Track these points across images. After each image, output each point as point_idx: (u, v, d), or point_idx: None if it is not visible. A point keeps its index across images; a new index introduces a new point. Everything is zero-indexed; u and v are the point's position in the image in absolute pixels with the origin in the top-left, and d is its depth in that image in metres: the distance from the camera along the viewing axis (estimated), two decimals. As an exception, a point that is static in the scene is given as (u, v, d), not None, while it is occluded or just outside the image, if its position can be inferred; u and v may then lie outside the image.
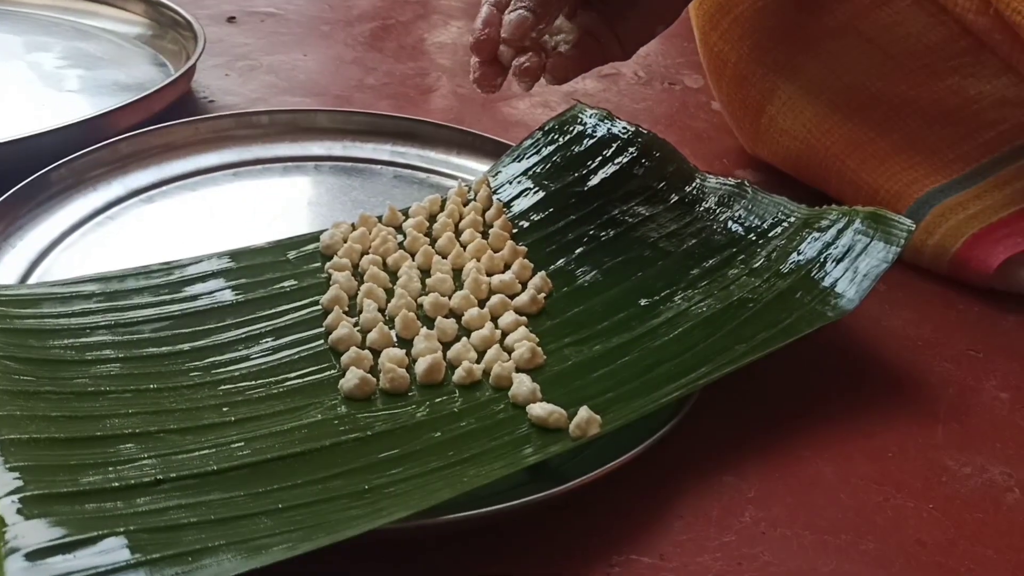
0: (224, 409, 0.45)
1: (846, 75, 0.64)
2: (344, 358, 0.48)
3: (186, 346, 0.49)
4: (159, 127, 0.66)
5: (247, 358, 0.49)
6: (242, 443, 0.42)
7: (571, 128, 0.68)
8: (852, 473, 0.46)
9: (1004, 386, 0.52)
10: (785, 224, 0.57)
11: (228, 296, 0.53)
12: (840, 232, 0.54)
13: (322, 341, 0.50)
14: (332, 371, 0.48)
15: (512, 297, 0.54)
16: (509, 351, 0.50)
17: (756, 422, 0.49)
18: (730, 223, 0.59)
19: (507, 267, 0.57)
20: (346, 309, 0.52)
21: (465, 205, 0.63)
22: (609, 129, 0.68)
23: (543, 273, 0.56)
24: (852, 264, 0.52)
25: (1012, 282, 0.59)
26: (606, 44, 0.58)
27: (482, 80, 0.56)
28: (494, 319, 0.53)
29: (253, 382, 0.47)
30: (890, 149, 0.62)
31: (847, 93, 0.64)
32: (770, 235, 0.57)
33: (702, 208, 0.61)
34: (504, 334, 0.52)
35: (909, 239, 0.51)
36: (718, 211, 0.61)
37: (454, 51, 0.93)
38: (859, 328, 0.55)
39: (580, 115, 0.69)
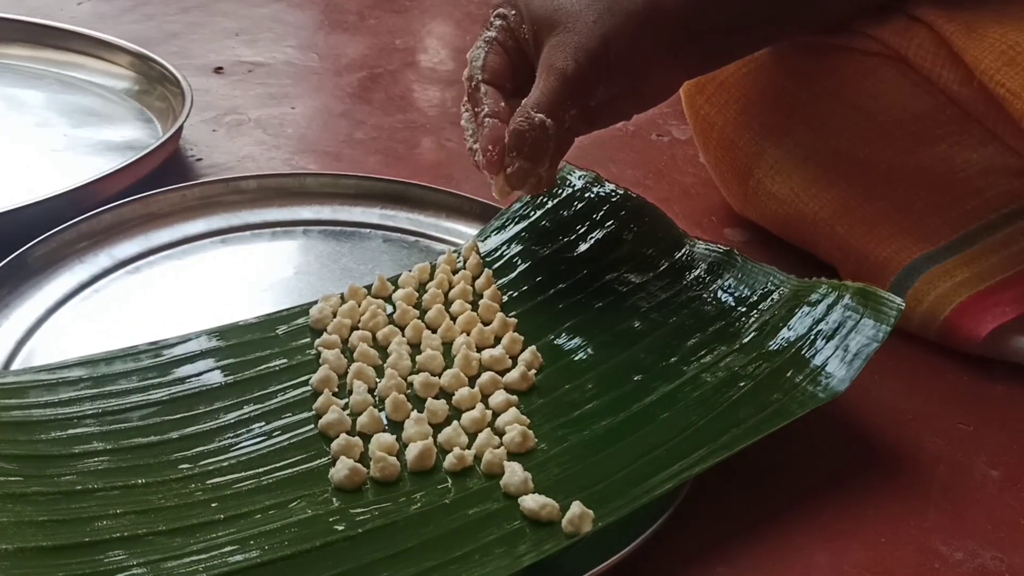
0: (213, 505, 0.44)
1: (833, 140, 0.64)
2: (334, 446, 0.48)
3: (175, 434, 0.48)
4: (145, 196, 0.65)
5: (236, 446, 0.48)
6: (232, 546, 0.42)
7: (559, 191, 0.68)
8: (846, 560, 0.46)
9: (994, 462, 0.53)
10: (775, 296, 0.57)
11: (217, 378, 0.53)
12: (830, 308, 0.54)
13: (312, 425, 0.50)
14: (322, 458, 0.48)
15: (502, 373, 0.54)
16: (500, 434, 0.50)
17: (748, 507, 0.49)
18: (720, 293, 0.59)
19: (497, 340, 0.57)
20: (335, 390, 0.52)
21: (454, 273, 0.63)
22: (598, 192, 0.68)
23: (533, 348, 0.56)
24: (842, 342, 0.52)
25: (1001, 350, 0.59)
26: (577, 131, 0.58)
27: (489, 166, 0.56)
28: (484, 398, 0.53)
29: (242, 473, 0.47)
30: (878, 215, 0.63)
31: (834, 158, 0.64)
32: (760, 307, 0.57)
33: (692, 276, 0.61)
34: (495, 414, 0.51)
35: (899, 318, 0.51)
36: (708, 280, 0.61)
37: (442, 102, 0.93)
38: (849, 402, 0.55)
39: (569, 177, 0.69)
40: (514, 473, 0.46)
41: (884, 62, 0.61)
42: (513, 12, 0.57)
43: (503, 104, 0.56)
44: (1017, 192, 0.59)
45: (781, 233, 0.70)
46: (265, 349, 0.55)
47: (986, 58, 0.55)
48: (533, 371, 0.54)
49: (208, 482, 0.46)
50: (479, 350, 0.56)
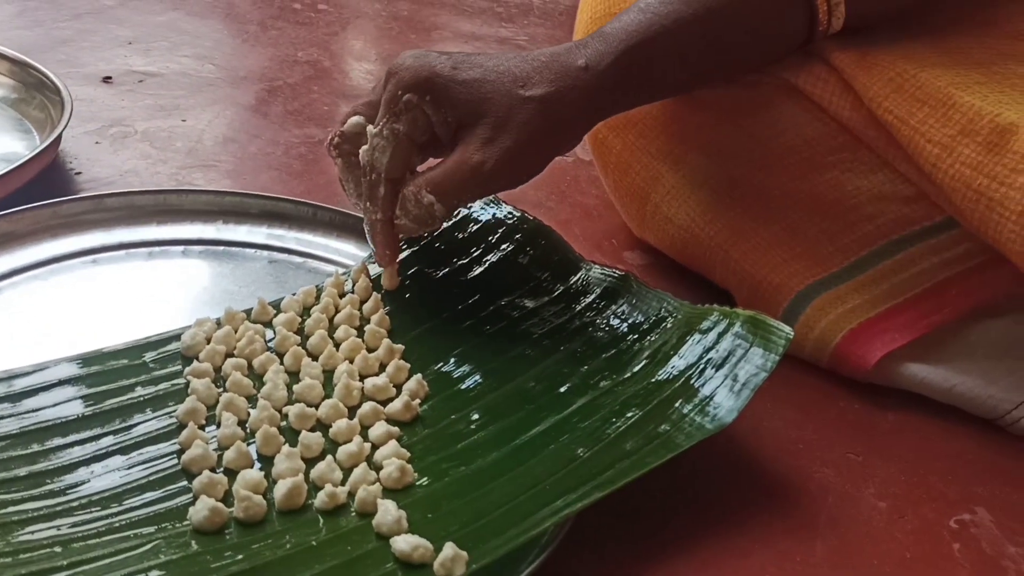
0: (57, 550, 0.41)
1: (727, 166, 0.64)
2: (195, 483, 0.45)
3: (22, 471, 0.45)
4: (7, 213, 0.61)
5: (88, 482, 0.45)
6: (71, 596, 0.38)
7: (455, 212, 0.66)
8: (729, 599, 0.45)
9: (882, 494, 0.52)
10: (668, 323, 0.56)
11: (76, 409, 0.49)
12: (720, 336, 0.53)
13: (176, 459, 0.47)
14: (184, 496, 0.45)
15: (385, 403, 0.52)
16: (378, 468, 0.47)
17: (630, 543, 0.47)
18: (613, 319, 0.58)
19: (383, 368, 0.55)
20: (202, 423, 0.49)
21: (342, 296, 0.60)
22: (495, 214, 0.66)
23: (419, 376, 0.53)
24: (732, 371, 0.51)
25: (891, 378, 0.59)
26: None
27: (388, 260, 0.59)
28: (364, 430, 0.50)
29: (93, 512, 0.43)
30: (772, 240, 0.62)
31: (729, 184, 0.64)
32: (652, 334, 0.56)
33: (586, 302, 0.60)
34: (374, 447, 0.49)
35: (787, 347, 0.51)
36: (602, 305, 0.59)
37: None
38: (740, 429, 0.54)
39: (465, 197, 0.67)
40: (387, 512, 0.44)
41: (777, 90, 0.61)
42: (428, 98, 0.54)
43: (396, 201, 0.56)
44: (907, 219, 0.59)
45: (679, 257, 0.69)
46: (130, 377, 0.52)
47: (874, 85, 0.55)
48: (417, 401, 0.52)
49: (53, 523, 0.42)
50: (362, 379, 0.53)
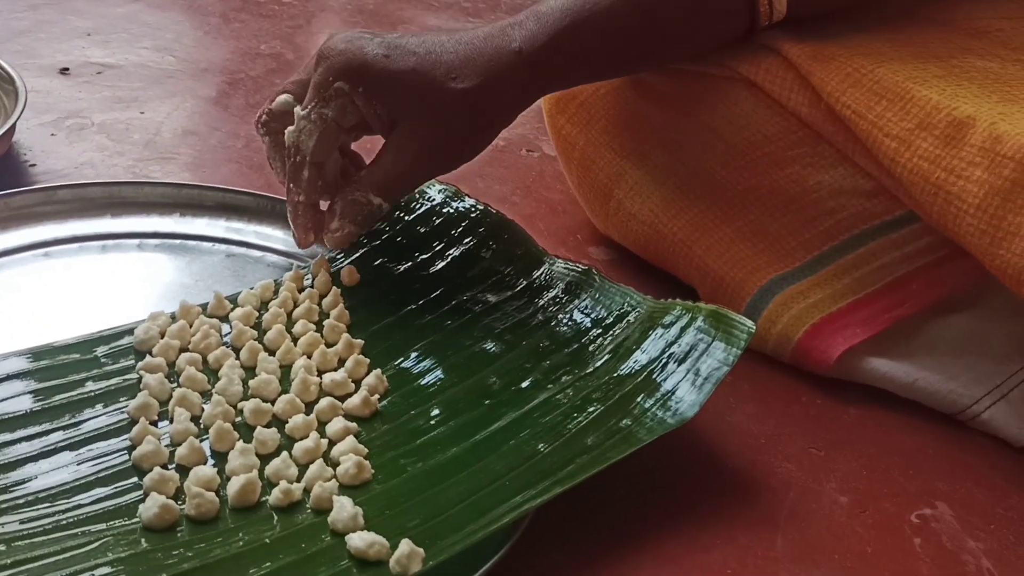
0: (1, 548, 0.40)
1: (690, 161, 0.63)
2: (146, 480, 0.44)
3: (-35, 468, 0.44)
4: (-42, 203, 0.60)
5: (35, 478, 0.44)
6: (13, 596, 0.37)
7: (418, 205, 0.66)
8: (690, 594, 0.44)
9: (843, 488, 0.52)
10: (631, 317, 0.56)
11: (24, 404, 0.48)
12: (683, 330, 0.53)
13: (127, 456, 0.46)
14: (134, 492, 0.44)
15: (343, 399, 0.51)
16: (335, 464, 0.46)
17: (591, 539, 0.47)
18: (576, 313, 0.58)
19: (342, 363, 0.54)
20: (154, 418, 0.48)
21: (301, 291, 0.59)
22: (457, 207, 0.65)
23: (378, 371, 0.53)
24: (694, 365, 0.51)
25: (852, 372, 0.59)
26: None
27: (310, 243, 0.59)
28: (322, 425, 0.49)
29: (40, 509, 0.42)
30: (735, 236, 0.62)
31: (692, 179, 0.63)
32: (615, 329, 0.56)
33: (549, 296, 0.59)
34: (332, 443, 0.48)
35: (749, 341, 0.50)
36: (564, 300, 0.59)
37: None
38: (702, 423, 0.54)
39: (428, 191, 0.66)
40: (343, 508, 0.43)
41: (737, 85, 0.61)
42: (360, 89, 0.54)
43: (320, 184, 0.57)
44: (868, 213, 0.59)
45: (642, 253, 0.69)
46: (81, 372, 0.51)
47: (832, 80, 0.55)
48: (376, 396, 0.51)
49: (-3, 521, 0.41)
50: (320, 374, 0.53)
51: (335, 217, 0.56)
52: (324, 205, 0.58)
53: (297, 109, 0.56)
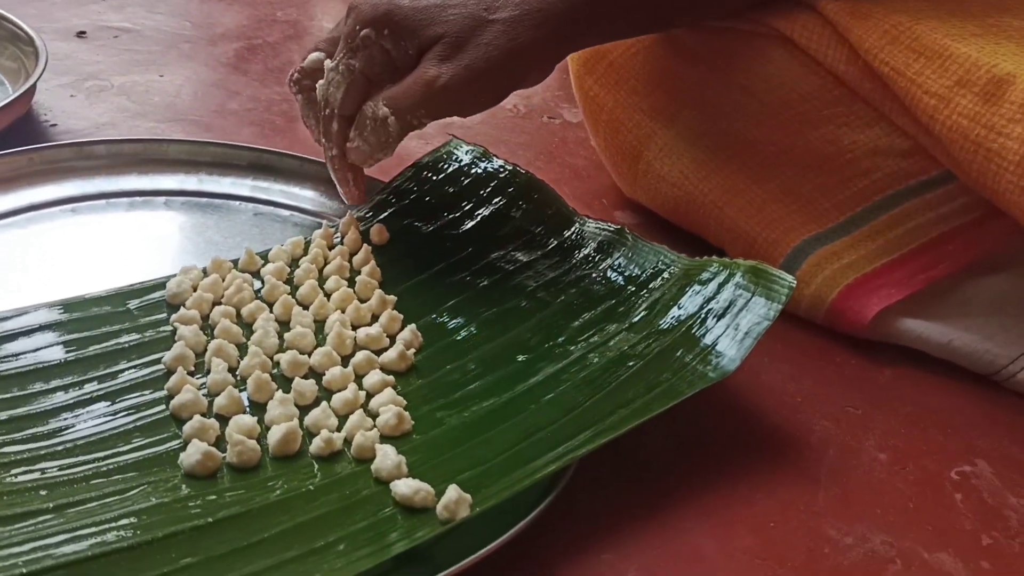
0: (43, 493, 0.39)
1: (722, 122, 0.63)
2: (186, 428, 0.43)
3: (2, 415, 0.43)
4: (-16, 157, 0.59)
5: (73, 427, 0.43)
6: (60, 536, 0.37)
7: (446, 166, 0.65)
8: (734, 546, 0.44)
9: (882, 446, 0.52)
10: (666, 275, 0.55)
11: (56, 354, 0.47)
12: (721, 286, 0.52)
13: (163, 406, 0.45)
14: (173, 442, 0.43)
15: (379, 353, 0.50)
16: (374, 416, 0.46)
17: (633, 491, 0.46)
18: (609, 272, 0.57)
19: (375, 319, 0.53)
20: (191, 369, 0.47)
21: (331, 248, 0.59)
22: (486, 168, 0.65)
23: (413, 326, 0.52)
24: (733, 320, 0.50)
25: (887, 333, 0.59)
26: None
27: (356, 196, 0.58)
28: (358, 378, 0.49)
29: (79, 457, 0.42)
30: (767, 197, 0.61)
31: (724, 140, 0.63)
32: (650, 286, 0.55)
33: (581, 255, 0.59)
34: (369, 396, 0.48)
35: (790, 296, 0.50)
36: (597, 259, 0.58)
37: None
38: (738, 383, 0.54)
39: (455, 151, 0.66)
40: (386, 456, 0.42)
41: (771, 43, 0.60)
42: (386, 31, 0.53)
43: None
44: (904, 173, 0.58)
45: (671, 216, 0.68)
46: (114, 324, 0.50)
47: (869, 37, 0.55)
48: (412, 351, 0.51)
49: (38, 466, 0.40)
50: (355, 328, 0.52)
51: (350, 132, 0.55)
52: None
53: (327, 62, 0.56)
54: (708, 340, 0.50)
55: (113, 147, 0.63)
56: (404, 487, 0.41)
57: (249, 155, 0.65)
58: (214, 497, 0.40)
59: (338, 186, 0.58)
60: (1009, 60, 0.52)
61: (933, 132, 0.53)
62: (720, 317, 0.51)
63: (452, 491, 0.40)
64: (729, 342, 0.49)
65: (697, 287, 0.53)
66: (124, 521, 0.38)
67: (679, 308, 0.52)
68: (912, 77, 0.53)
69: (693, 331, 0.51)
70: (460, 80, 0.52)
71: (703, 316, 0.51)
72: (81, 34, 0.88)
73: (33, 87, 0.70)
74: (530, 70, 0.55)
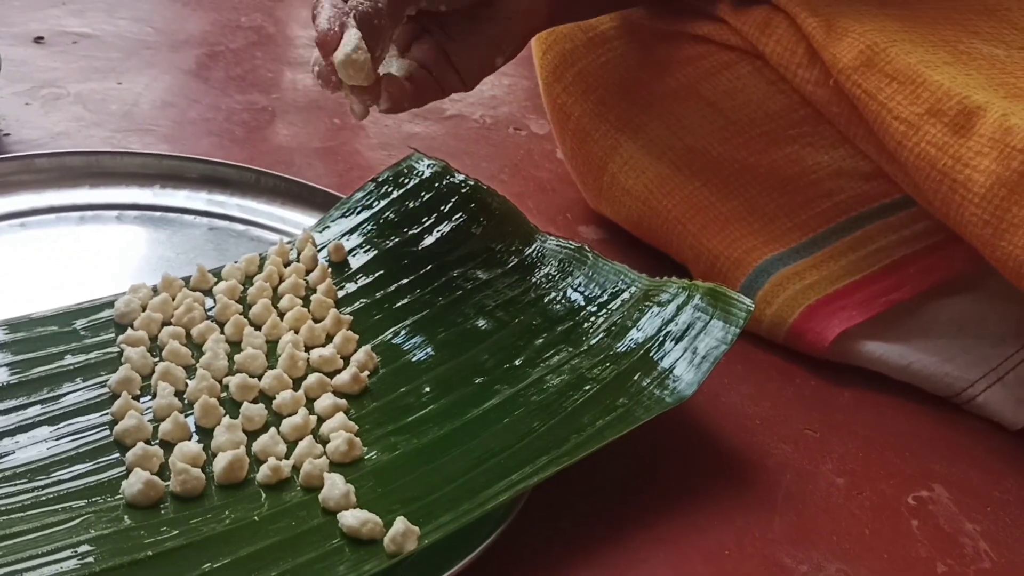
0: (-23, 524, 0.38)
1: (688, 137, 0.62)
2: (129, 456, 0.42)
3: (-62, 441, 0.42)
4: (-70, 170, 0.57)
5: (12, 453, 0.42)
6: (-6, 572, 0.36)
7: (406, 180, 0.64)
8: (689, 574, 0.43)
9: (840, 470, 0.51)
10: (625, 295, 0.55)
11: (0, 376, 0.46)
12: (680, 308, 0.52)
13: (108, 431, 0.44)
14: (117, 468, 0.42)
15: (332, 375, 0.49)
16: (324, 442, 0.45)
17: (588, 518, 0.46)
18: (570, 291, 0.56)
19: (329, 339, 0.52)
20: (136, 393, 0.46)
21: (286, 265, 0.57)
22: (447, 182, 0.64)
23: (368, 348, 0.51)
24: (691, 344, 0.50)
25: (847, 355, 0.59)
26: (441, 76, 0.53)
27: (325, 77, 0.50)
28: (310, 402, 0.48)
29: (17, 485, 0.40)
30: (730, 214, 0.61)
31: (688, 155, 0.62)
32: (610, 307, 0.54)
33: (541, 274, 0.58)
34: (320, 420, 0.47)
35: (748, 320, 0.49)
36: (557, 278, 0.58)
37: (290, 85, 0.87)
38: (696, 405, 0.53)
39: (416, 165, 0.65)
40: (334, 486, 0.41)
41: (741, 58, 0.60)
42: None
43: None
44: (866, 195, 0.58)
45: (635, 231, 0.68)
46: (59, 345, 0.49)
47: (844, 57, 0.54)
48: (366, 373, 0.50)
49: (-28, 498, 0.39)
50: (308, 349, 0.51)
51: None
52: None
53: None
54: (666, 364, 0.49)
55: (63, 159, 0.62)
56: (351, 519, 0.40)
57: (205, 168, 0.64)
58: (158, 528, 0.39)
59: (348, 98, 0.51)
60: (980, 92, 0.51)
61: (899, 159, 0.53)
62: (678, 340, 0.50)
63: (400, 523, 0.39)
64: (686, 366, 0.49)
65: (656, 308, 0.52)
66: (64, 554, 0.37)
67: (638, 330, 0.52)
68: (883, 101, 0.53)
69: (651, 354, 0.50)
70: None
71: (661, 339, 0.51)
72: (39, 39, 0.86)
73: (-15, 95, 0.69)
74: (514, 25, 0.53)
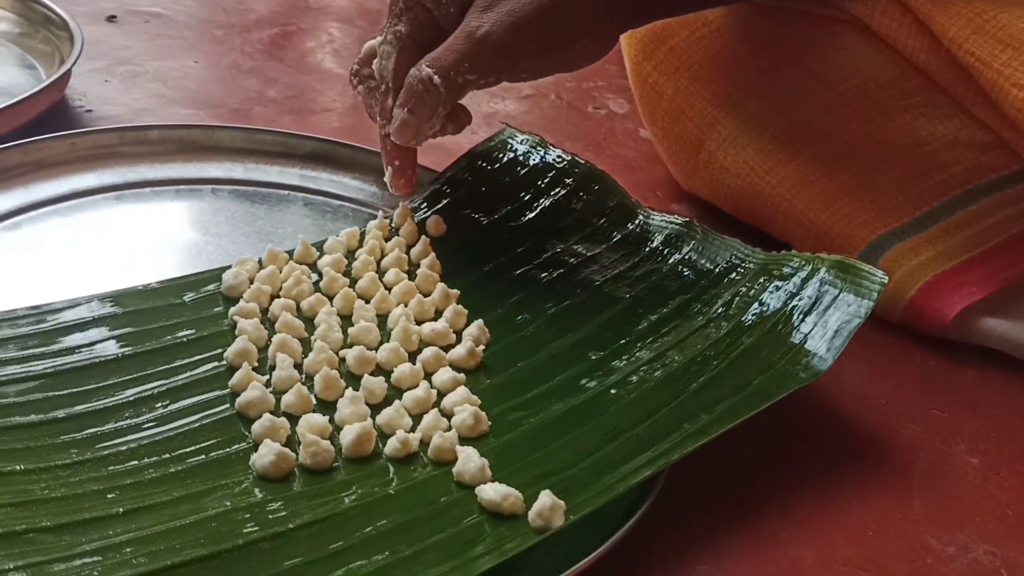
0: (110, 496, 0.37)
1: (791, 111, 0.60)
2: (256, 428, 0.41)
3: (61, 413, 0.41)
4: (27, 142, 0.56)
5: (137, 427, 0.41)
6: (133, 546, 0.34)
7: (501, 155, 0.62)
8: (834, 557, 0.42)
9: (973, 450, 0.49)
10: (740, 270, 0.53)
11: (112, 349, 0.45)
12: (804, 281, 0.50)
13: (227, 405, 0.43)
14: (242, 443, 0.41)
15: (446, 349, 0.48)
16: (448, 416, 0.43)
17: (724, 499, 0.44)
18: (680, 267, 0.55)
19: (438, 314, 0.51)
20: (255, 365, 0.45)
21: (387, 240, 0.56)
22: (543, 157, 0.62)
23: (480, 322, 0.50)
24: (821, 318, 0.48)
25: (968, 333, 0.56)
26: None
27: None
28: (428, 376, 0.46)
29: (145, 459, 0.39)
30: (838, 190, 0.59)
31: (793, 130, 0.60)
32: (725, 282, 0.53)
33: (648, 248, 0.56)
34: (440, 395, 0.45)
35: (882, 292, 0.48)
36: (666, 252, 0.56)
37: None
38: (820, 384, 0.51)
39: (510, 141, 0.63)
40: (469, 459, 0.40)
41: (847, 28, 0.58)
42: None
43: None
44: (984, 167, 0.56)
45: (732, 210, 0.66)
46: (170, 318, 0.47)
47: (953, 26, 0.52)
48: (481, 347, 0.48)
49: (104, 469, 0.38)
50: (418, 323, 0.50)
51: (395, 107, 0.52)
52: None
53: (376, 39, 0.53)
54: (796, 339, 0.47)
55: (158, 133, 0.60)
56: (492, 492, 0.38)
57: (299, 143, 0.63)
58: (290, 501, 0.38)
59: (386, 170, 0.55)
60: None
61: (1021, 126, 0.51)
62: (806, 314, 0.48)
63: (545, 497, 0.37)
64: (818, 341, 0.47)
65: (778, 282, 0.51)
66: (200, 529, 0.36)
67: (760, 304, 0.50)
68: (999, 68, 0.51)
69: (779, 329, 0.48)
70: (503, 27, 0.49)
71: (788, 313, 0.49)
72: (111, 18, 0.86)
73: (68, 72, 0.68)
74: (581, 28, 0.51)
